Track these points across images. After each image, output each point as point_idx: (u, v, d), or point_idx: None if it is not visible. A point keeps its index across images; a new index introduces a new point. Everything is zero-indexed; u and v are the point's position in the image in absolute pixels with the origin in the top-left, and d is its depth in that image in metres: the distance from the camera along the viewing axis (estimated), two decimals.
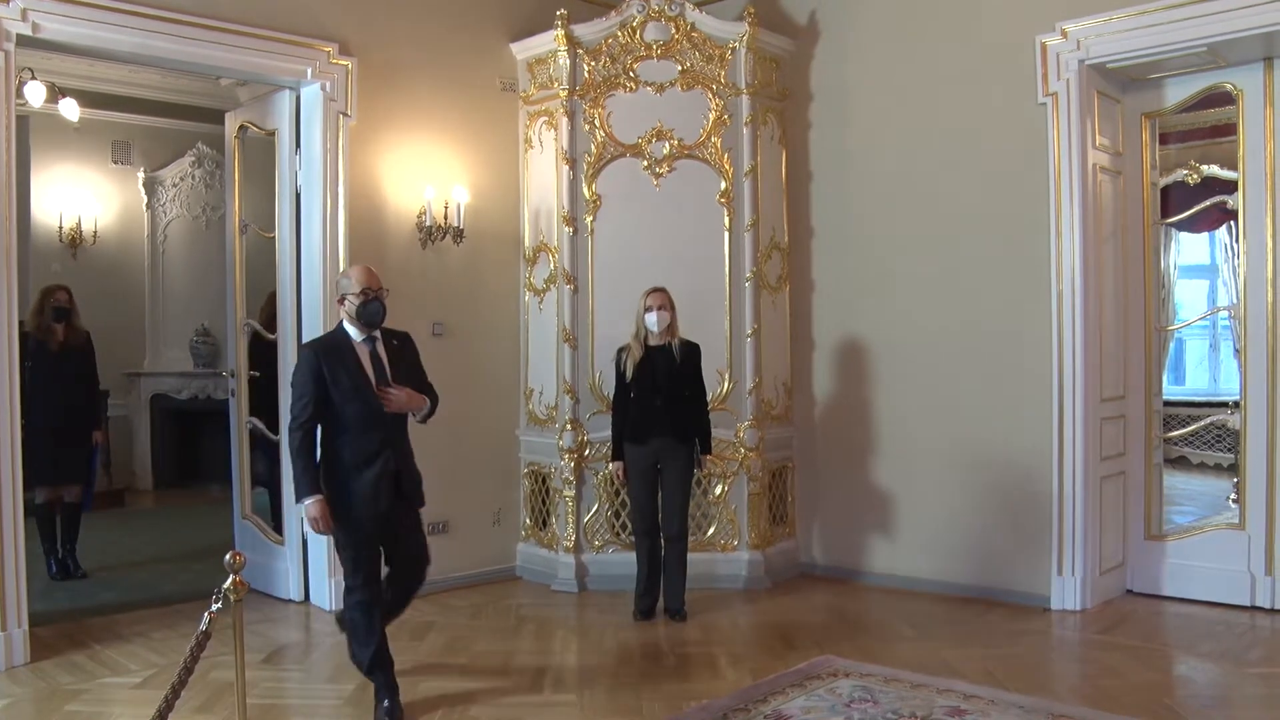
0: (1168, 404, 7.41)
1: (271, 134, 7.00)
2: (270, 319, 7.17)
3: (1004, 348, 6.70)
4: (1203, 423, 7.41)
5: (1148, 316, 6.84)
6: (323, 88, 6.62)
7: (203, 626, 3.68)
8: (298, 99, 6.80)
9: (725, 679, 5.30)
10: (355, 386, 4.76)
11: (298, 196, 6.83)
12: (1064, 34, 6.41)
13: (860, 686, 5.04)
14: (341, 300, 4.87)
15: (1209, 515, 7.05)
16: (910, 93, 7.10)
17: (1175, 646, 5.86)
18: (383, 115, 6.93)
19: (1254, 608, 6.29)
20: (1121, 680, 5.19)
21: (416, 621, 6.31)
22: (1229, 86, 6.44)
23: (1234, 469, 6.63)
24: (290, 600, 6.82)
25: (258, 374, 7.26)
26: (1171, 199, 7.07)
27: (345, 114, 6.70)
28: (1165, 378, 7.52)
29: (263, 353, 7.18)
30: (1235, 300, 6.55)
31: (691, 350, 6.37)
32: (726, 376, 7.11)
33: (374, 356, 4.86)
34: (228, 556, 3.68)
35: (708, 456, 6.54)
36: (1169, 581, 6.63)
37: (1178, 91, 6.65)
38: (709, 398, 6.63)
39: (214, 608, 3.65)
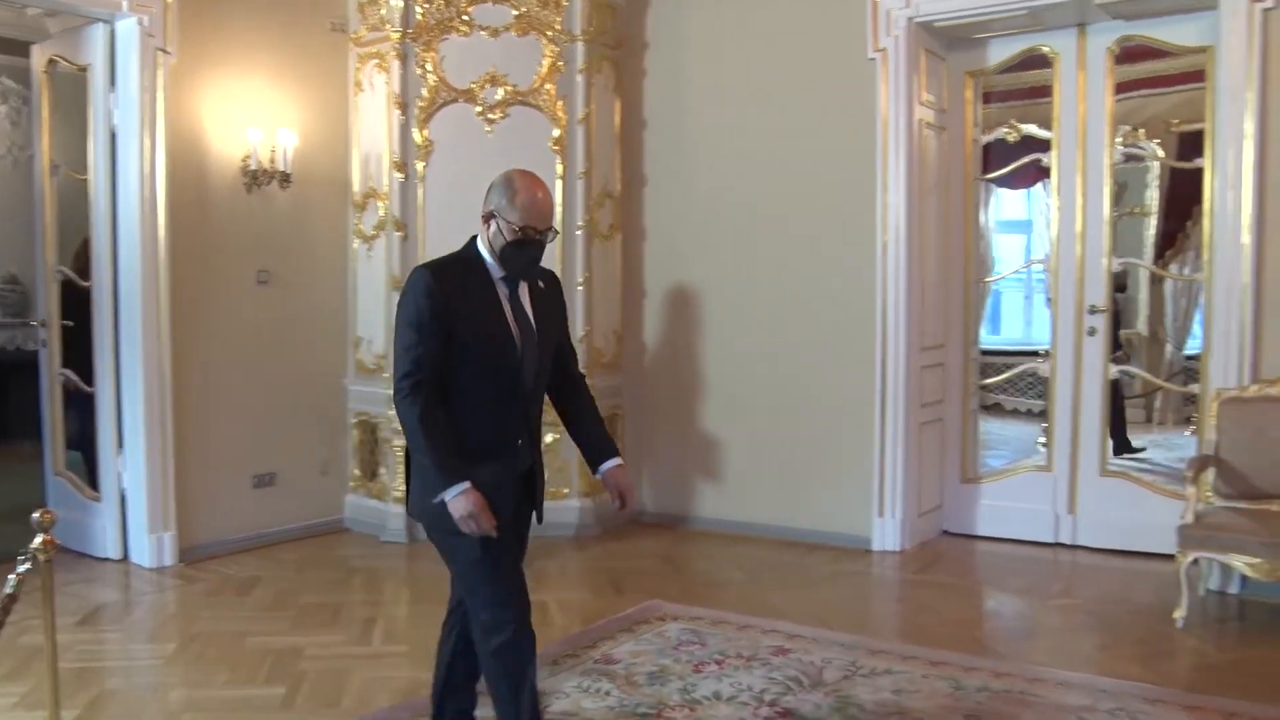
0: (985, 353, 7.74)
1: (84, 69, 6.64)
2: (84, 266, 6.85)
3: (831, 297, 6.86)
4: (1016, 370, 7.75)
5: (967, 268, 7.10)
6: (139, 21, 6.30)
7: (8, 589, 3.50)
8: (112, 32, 6.46)
9: (555, 625, 5.34)
10: (494, 335, 3.33)
11: (113, 136, 6.50)
12: None
13: (688, 629, 5.15)
14: (487, 220, 3.34)
15: (1020, 458, 7.41)
16: (745, 44, 7.16)
17: (986, 583, 6.17)
18: (205, 53, 6.65)
19: (1057, 544, 6.68)
20: (936, 616, 5.44)
21: (241, 577, 6.18)
22: (1046, 49, 6.69)
23: (1044, 414, 6.95)
24: (108, 559, 6.57)
25: (71, 323, 6.93)
26: (992, 156, 7.32)
27: (164, 50, 6.39)
28: (983, 328, 7.84)
29: (76, 301, 6.86)
30: (1048, 254, 6.84)
31: None
32: None
33: (514, 299, 3.41)
34: (36, 514, 3.50)
35: None
36: (982, 522, 6.95)
37: (1000, 52, 6.88)
38: None
39: (20, 569, 3.48)
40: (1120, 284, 8.62)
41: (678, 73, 7.46)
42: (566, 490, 7.16)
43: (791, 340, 7.02)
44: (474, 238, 3.41)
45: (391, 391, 3.31)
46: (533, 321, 3.41)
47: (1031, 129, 7.07)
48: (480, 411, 3.34)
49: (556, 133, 7.09)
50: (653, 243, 7.61)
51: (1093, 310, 6.58)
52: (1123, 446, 8.39)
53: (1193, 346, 9.36)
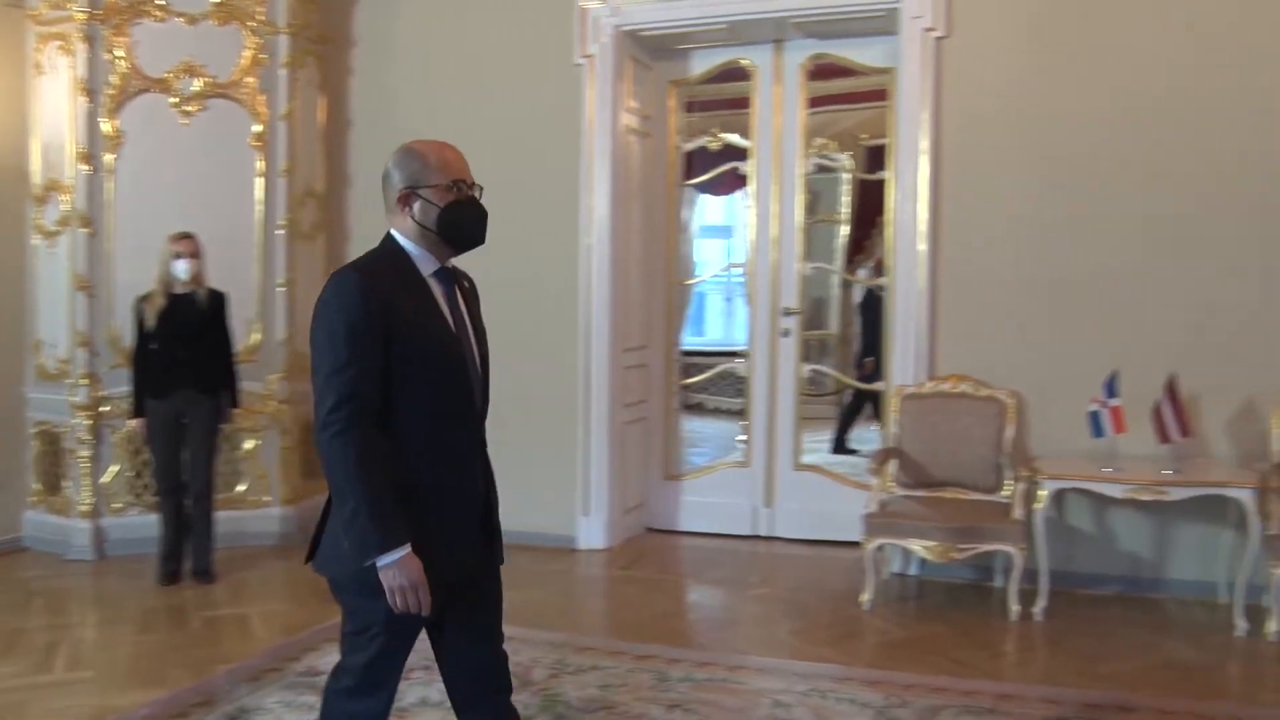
0: (687, 353, 7.98)
1: None
2: None
3: (536, 299, 6.90)
4: (717, 370, 8.03)
5: (669, 271, 7.32)
6: None
7: None
8: None
9: (257, 639, 5.15)
10: (439, 341, 2.74)
11: None
12: None
13: None
14: (406, 198, 2.80)
15: (721, 456, 7.68)
16: (455, 45, 7.11)
17: (688, 576, 6.38)
18: None
19: (755, 536, 6.99)
20: (641, 611, 5.57)
21: None
22: (746, 63, 6.98)
23: (743, 413, 7.24)
24: None
25: None
26: (695, 162, 7.57)
27: None
28: (686, 329, 8.08)
29: None
30: (747, 258, 7.13)
31: (218, 299, 6.06)
32: (257, 327, 6.85)
33: (450, 298, 2.83)
34: None
35: (235, 410, 6.26)
36: (685, 517, 7.19)
37: (702, 63, 7.13)
38: (237, 349, 6.34)
39: None
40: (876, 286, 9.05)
41: (386, 71, 7.33)
42: (268, 498, 6.92)
43: (497, 341, 6.92)
44: (387, 235, 2.85)
45: (317, 427, 2.64)
46: (468, 324, 2.88)
47: (733, 138, 7.35)
48: (429, 439, 2.72)
49: (258, 128, 6.83)
50: (358, 244, 7.42)
51: (787, 312, 6.92)
52: (840, 446, 8.77)
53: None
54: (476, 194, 2.83)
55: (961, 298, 6.11)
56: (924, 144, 6.10)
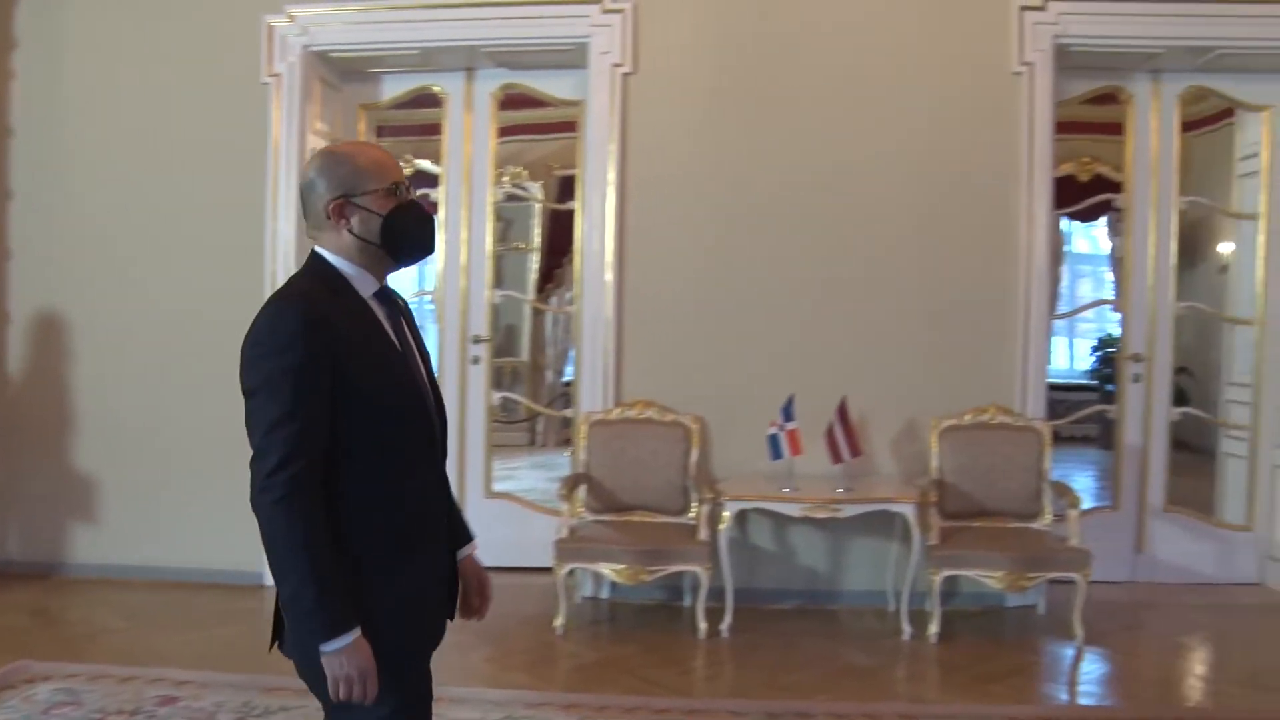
0: None
1: None
2: None
3: (215, 324, 6.48)
4: None
5: None
6: None
7: None
8: None
9: None
10: (392, 372, 2.40)
11: None
12: (290, 18, 6.51)
13: (62, 689, 4.73)
14: (340, 209, 2.38)
15: None
16: (134, 56, 6.70)
17: None
18: None
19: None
20: None
21: None
22: (437, 89, 6.98)
23: None
24: None
25: None
26: None
27: None
28: None
29: None
30: (436, 285, 7.10)
31: None
32: None
33: (394, 321, 2.48)
34: None
35: None
36: None
37: (393, 88, 7.07)
38: None
39: None
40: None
41: (55, 79, 6.82)
42: None
43: (172, 370, 6.65)
44: (313, 254, 2.45)
45: (254, 489, 2.26)
46: (413, 347, 2.53)
47: (424, 164, 7.33)
48: (395, 485, 2.36)
49: None
50: (19, 263, 6.87)
51: (476, 340, 6.94)
52: None
53: (570, 374, 10.15)
54: (416, 196, 2.48)
55: (647, 326, 6.32)
56: (611, 176, 6.29)
